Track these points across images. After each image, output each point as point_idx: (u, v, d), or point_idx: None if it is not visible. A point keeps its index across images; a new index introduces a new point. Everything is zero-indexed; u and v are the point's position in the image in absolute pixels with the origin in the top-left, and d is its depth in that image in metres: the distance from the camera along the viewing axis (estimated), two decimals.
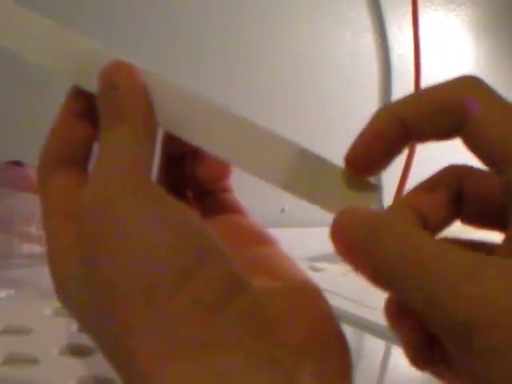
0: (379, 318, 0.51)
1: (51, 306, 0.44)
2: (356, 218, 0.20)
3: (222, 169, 0.27)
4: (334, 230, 0.20)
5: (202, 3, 0.76)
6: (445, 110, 0.20)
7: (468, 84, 0.21)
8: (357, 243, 0.19)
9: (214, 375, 0.17)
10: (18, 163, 0.58)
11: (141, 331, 0.18)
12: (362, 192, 0.23)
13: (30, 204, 0.57)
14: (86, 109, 0.23)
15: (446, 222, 0.22)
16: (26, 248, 0.56)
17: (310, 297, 0.21)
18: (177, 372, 0.17)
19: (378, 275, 0.19)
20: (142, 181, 0.20)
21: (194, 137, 0.23)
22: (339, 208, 0.21)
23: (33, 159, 0.69)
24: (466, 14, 1.22)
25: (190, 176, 0.27)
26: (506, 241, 0.19)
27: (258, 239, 0.25)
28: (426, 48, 1.06)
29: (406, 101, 0.21)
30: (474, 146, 0.20)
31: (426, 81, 1.04)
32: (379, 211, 0.20)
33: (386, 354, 0.50)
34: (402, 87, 1.05)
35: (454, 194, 0.22)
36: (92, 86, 0.23)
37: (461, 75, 0.21)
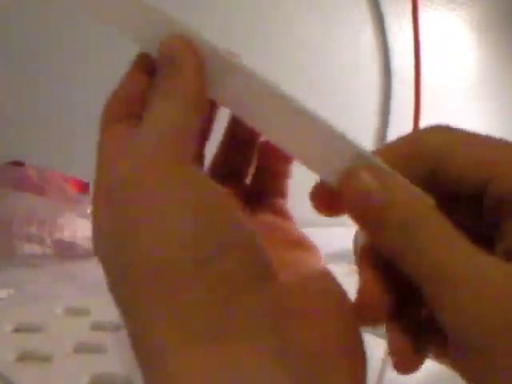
0: None
1: (60, 304, 0.44)
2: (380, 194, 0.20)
3: (282, 162, 0.27)
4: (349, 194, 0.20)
5: (203, 2, 0.76)
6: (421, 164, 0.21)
7: (435, 131, 0.22)
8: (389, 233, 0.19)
9: (227, 367, 0.17)
10: (17, 163, 0.58)
11: (159, 314, 0.18)
12: None
13: (30, 204, 0.57)
14: (152, 67, 0.23)
15: None
16: (26, 248, 0.56)
17: (334, 301, 0.21)
18: (190, 359, 0.17)
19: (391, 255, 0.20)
20: (178, 160, 0.20)
21: (252, 118, 0.22)
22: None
23: (33, 159, 0.69)
24: (467, 14, 1.21)
25: (256, 165, 0.27)
26: (500, 253, 0.19)
27: (300, 245, 0.25)
28: (427, 48, 1.06)
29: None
30: (455, 178, 0.20)
31: (426, 81, 1.04)
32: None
33: (386, 354, 0.50)
34: (402, 87, 1.05)
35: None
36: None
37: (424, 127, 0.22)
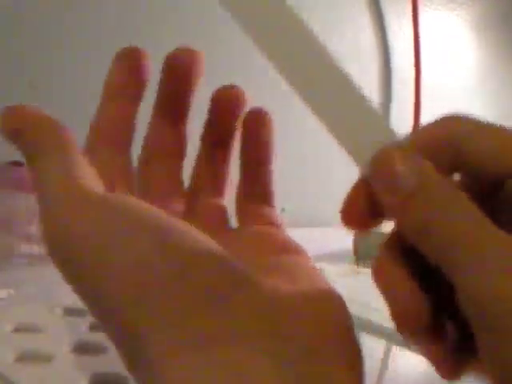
0: (379, 318, 0.51)
1: (60, 304, 0.44)
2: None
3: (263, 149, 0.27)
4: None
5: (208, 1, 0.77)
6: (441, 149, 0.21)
7: (454, 119, 0.22)
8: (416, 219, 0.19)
9: (226, 368, 0.17)
10: (18, 163, 0.58)
11: (144, 327, 0.18)
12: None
13: (30, 204, 0.57)
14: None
15: None
16: (26, 248, 0.56)
17: (327, 300, 0.21)
18: (186, 365, 0.17)
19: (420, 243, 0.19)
20: (84, 192, 0.20)
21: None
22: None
23: None
24: (467, 14, 1.22)
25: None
26: None
27: (287, 249, 0.25)
28: (427, 48, 1.06)
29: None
30: (476, 169, 0.20)
31: (426, 80, 1.04)
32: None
33: (386, 354, 0.50)
34: (402, 86, 1.05)
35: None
36: None
37: (442, 116, 0.22)
